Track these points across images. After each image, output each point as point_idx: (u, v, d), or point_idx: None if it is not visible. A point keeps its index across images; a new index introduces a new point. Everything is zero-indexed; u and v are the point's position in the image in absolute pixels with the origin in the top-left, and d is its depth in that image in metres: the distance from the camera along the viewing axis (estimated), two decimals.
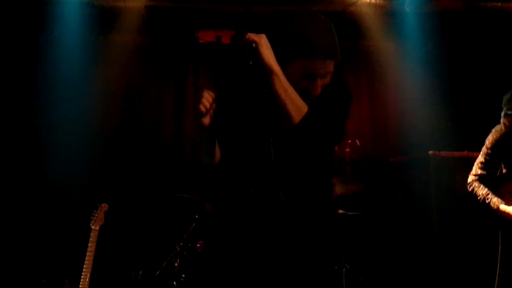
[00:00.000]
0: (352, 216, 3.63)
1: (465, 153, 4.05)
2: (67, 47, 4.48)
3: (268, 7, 4.47)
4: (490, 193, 3.05)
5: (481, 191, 3.08)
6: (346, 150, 3.94)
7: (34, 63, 4.44)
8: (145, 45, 4.70)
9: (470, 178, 3.14)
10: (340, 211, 3.58)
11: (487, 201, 3.06)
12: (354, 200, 3.73)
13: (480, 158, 3.13)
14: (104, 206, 3.42)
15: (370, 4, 4.47)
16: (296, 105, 1.70)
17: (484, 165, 3.10)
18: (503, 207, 3.00)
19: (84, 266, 3.20)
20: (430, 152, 4.15)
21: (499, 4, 4.49)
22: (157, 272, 3.39)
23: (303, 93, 1.77)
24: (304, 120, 1.69)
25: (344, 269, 3.40)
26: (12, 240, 4.07)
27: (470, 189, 3.14)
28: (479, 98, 4.73)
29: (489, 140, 3.11)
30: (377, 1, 4.47)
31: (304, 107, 1.71)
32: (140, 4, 4.33)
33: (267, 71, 1.68)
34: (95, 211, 3.36)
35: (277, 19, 1.95)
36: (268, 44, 1.70)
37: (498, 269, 3.29)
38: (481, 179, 3.12)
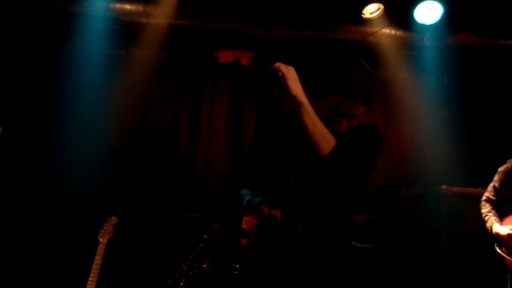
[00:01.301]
0: (362, 249, 3.60)
1: (479, 190, 4.01)
2: (89, 59, 4.56)
3: (289, 31, 4.52)
4: (492, 213, 3.35)
5: (484, 209, 3.40)
6: (369, 181, 3.91)
7: (55, 74, 4.50)
8: (165, 61, 4.76)
9: (482, 199, 3.48)
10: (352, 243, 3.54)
11: (485, 219, 3.40)
12: (364, 232, 3.70)
13: (492, 183, 3.44)
14: (114, 219, 3.43)
15: (389, 35, 4.50)
16: (324, 137, 1.70)
17: (493, 190, 3.41)
18: (496, 226, 3.30)
19: (90, 278, 3.20)
20: (443, 186, 4.12)
21: None
22: None
23: (328, 127, 1.77)
24: (332, 152, 1.70)
25: None
26: (20, 251, 4.08)
27: (479, 208, 3.45)
28: (495, 134, 4.70)
29: (502, 168, 3.40)
30: (397, 33, 4.50)
31: (332, 140, 1.71)
32: (163, 21, 4.41)
33: (295, 103, 1.69)
34: (104, 224, 3.38)
35: (320, 54, 2.00)
36: (296, 77, 1.71)
37: None
38: (490, 201, 3.42)
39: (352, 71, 1.78)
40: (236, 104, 4.77)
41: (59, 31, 4.47)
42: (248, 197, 1.91)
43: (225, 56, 4.87)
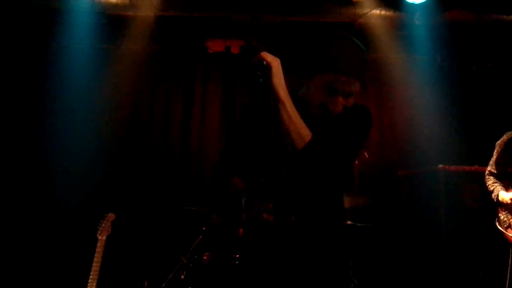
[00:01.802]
0: (361, 228, 3.60)
1: (475, 167, 4.01)
2: (77, 55, 4.51)
3: (278, 16, 4.47)
4: (497, 183, 3.45)
5: (489, 181, 3.50)
6: (354, 162, 3.91)
7: (44, 71, 4.46)
8: (154, 54, 4.71)
9: (485, 173, 3.56)
10: (349, 222, 3.55)
11: (491, 189, 3.48)
12: (363, 213, 3.70)
13: (492, 157, 3.52)
14: (111, 216, 3.41)
15: (379, 16, 4.46)
16: (298, 133, 1.72)
17: (494, 163, 3.49)
18: (502, 193, 3.41)
19: (90, 276, 3.19)
20: (440, 166, 4.11)
21: (509, 17, 4.46)
22: (163, 284, 3.37)
23: (323, 108, 1.79)
24: (305, 148, 1.72)
25: (352, 285, 3.37)
26: (18, 252, 4.06)
27: (484, 182, 3.54)
28: (489, 111, 4.69)
29: (499, 141, 3.48)
30: (387, 13, 4.46)
31: (307, 136, 1.73)
32: (150, 13, 4.35)
33: (274, 97, 1.70)
34: (102, 221, 3.35)
35: (301, 35, 2.01)
36: (280, 69, 1.71)
37: (507, 285, 3.32)
38: (492, 174, 3.51)
39: (347, 49, 1.76)
40: (228, 94, 4.73)
41: (45, 27, 4.41)
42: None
43: (215, 46, 4.82)
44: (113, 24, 4.42)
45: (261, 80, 1.69)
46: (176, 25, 4.65)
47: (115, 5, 4.29)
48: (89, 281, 3.19)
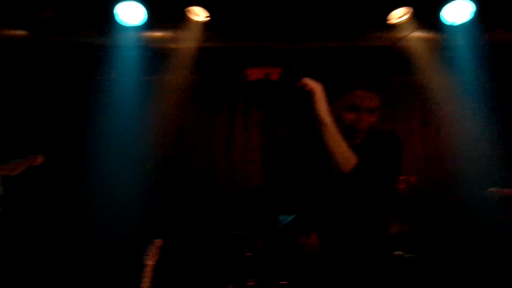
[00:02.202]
0: (410, 258, 3.49)
1: None
2: (123, 87, 4.69)
3: (317, 43, 4.54)
4: None
5: None
6: (401, 187, 3.84)
7: (91, 104, 4.64)
8: (196, 83, 4.84)
9: None
10: (398, 253, 3.45)
11: None
12: (410, 240, 3.60)
13: None
14: (159, 241, 3.46)
15: (419, 38, 4.44)
16: (344, 156, 1.71)
17: None
18: None
19: None
20: (493, 189, 3.97)
21: None
22: None
23: (350, 130, 1.82)
24: (353, 171, 1.71)
25: None
26: (67, 276, 4.16)
27: None
28: None
29: None
30: (428, 35, 4.44)
31: (353, 159, 1.73)
32: (192, 44, 4.50)
33: (317, 121, 1.71)
34: (149, 246, 3.41)
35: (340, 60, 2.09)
36: (323, 94, 1.74)
37: None
38: None
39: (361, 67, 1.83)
40: (269, 120, 4.80)
41: (92, 63, 4.62)
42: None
43: (255, 74, 4.92)
44: (157, 56, 4.59)
45: (303, 105, 1.72)
46: (217, 55, 4.78)
47: (160, 39, 4.47)
48: None
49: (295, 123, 4.64)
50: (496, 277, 3.86)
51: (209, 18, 4.34)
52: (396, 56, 4.45)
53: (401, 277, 3.47)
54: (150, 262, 3.37)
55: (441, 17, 4.17)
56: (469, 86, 4.74)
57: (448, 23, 4.19)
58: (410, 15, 4.27)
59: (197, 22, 4.36)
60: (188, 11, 4.31)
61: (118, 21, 4.21)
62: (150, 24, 4.30)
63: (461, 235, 4.23)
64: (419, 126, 4.75)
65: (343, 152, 1.71)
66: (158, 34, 4.45)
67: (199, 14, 4.33)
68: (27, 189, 4.03)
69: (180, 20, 4.33)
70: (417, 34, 4.42)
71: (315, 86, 1.71)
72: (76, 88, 4.72)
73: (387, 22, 4.32)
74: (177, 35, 4.42)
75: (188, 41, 4.45)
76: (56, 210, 4.35)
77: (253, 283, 3.30)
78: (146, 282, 3.30)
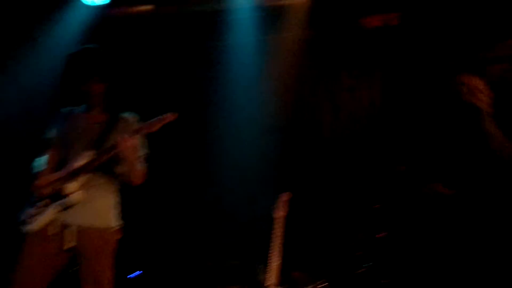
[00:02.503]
0: None
1: None
2: (239, 50, 4.80)
3: None
4: None
5: None
6: None
7: (211, 69, 4.83)
8: (311, 39, 4.78)
9: None
10: None
11: None
12: None
13: None
14: (287, 195, 3.58)
15: None
16: (503, 143, 1.98)
17: None
18: None
19: (272, 254, 3.39)
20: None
21: None
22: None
23: None
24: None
25: None
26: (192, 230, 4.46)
27: None
28: None
29: None
30: None
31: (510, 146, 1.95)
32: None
33: (479, 109, 1.96)
34: (277, 200, 3.54)
35: None
36: (481, 87, 1.96)
37: None
38: None
39: None
40: (387, 77, 4.57)
41: (208, 29, 4.78)
42: None
43: (372, 21, 4.69)
44: (271, 15, 4.60)
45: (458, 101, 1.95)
46: (331, 7, 4.64)
47: None
48: (271, 259, 3.39)
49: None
50: None
51: None
52: None
53: None
54: (279, 215, 3.51)
55: None
56: None
57: None
58: None
59: None
60: None
61: None
62: None
63: None
64: None
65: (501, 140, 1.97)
66: None
67: None
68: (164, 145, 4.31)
69: None
70: None
71: (472, 79, 1.95)
72: (196, 55, 4.94)
73: None
74: None
75: None
76: (187, 165, 4.66)
77: (384, 235, 3.28)
78: (277, 235, 3.45)
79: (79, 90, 2.50)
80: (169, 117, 2.48)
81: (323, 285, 3.35)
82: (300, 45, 4.71)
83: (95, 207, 2.43)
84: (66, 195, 2.35)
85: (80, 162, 2.40)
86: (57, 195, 2.37)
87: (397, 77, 4.50)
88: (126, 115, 2.64)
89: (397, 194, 3.47)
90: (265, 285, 3.36)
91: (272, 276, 3.37)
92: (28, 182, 2.48)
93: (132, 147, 2.40)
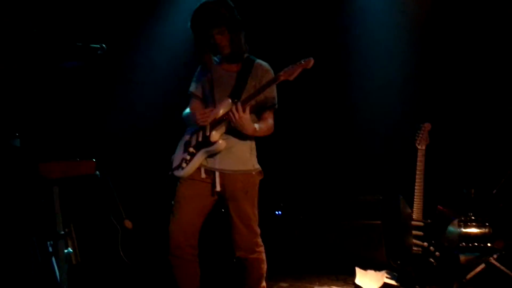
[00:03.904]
0: None
1: None
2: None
3: None
4: None
5: None
6: None
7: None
8: None
9: None
10: None
11: None
12: None
13: None
14: (427, 126, 3.40)
15: None
16: None
17: None
18: None
19: (416, 184, 3.30)
20: None
21: None
22: (494, 191, 3.19)
23: None
24: None
25: None
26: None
27: None
28: None
29: None
30: None
31: None
32: None
33: None
34: (419, 131, 3.39)
35: None
36: None
37: None
38: None
39: None
40: None
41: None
42: None
43: None
44: None
45: None
46: None
47: None
48: (416, 189, 3.30)
49: None
50: None
51: None
52: None
53: None
54: (421, 146, 3.38)
55: None
56: None
57: None
58: None
59: None
60: None
61: None
62: None
63: None
64: None
65: None
66: None
67: None
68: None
69: None
70: None
71: None
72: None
73: None
74: None
75: None
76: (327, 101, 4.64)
77: None
78: (420, 165, 3.34)
79: (209, 43, 2.57)
80: (310, 62, 2.40)
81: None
82: None
83: (236, 153, 2.58)
84: (211, 143, 2.56)
85: (220, 110, 2.53)
86: (203, 142, 2.56)
87: None
88: (261, 62, 2.67)
89: None
90: (409, 219, 3.32)
91: (417, 210, 3.31)
92: (176, 133, 2.77)
93: (241, 121, 2.44)
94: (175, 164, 2.66)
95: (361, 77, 4.41)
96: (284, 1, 4.58)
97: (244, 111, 2.47)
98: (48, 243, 2.56)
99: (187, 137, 2.69)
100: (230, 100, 2.55)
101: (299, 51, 3.64)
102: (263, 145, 2.76)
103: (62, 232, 2.53)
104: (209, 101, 2.69)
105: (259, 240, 2.67)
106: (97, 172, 2.60)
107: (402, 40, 4.28)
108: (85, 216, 3.32)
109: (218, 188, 2.59)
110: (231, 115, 2.47)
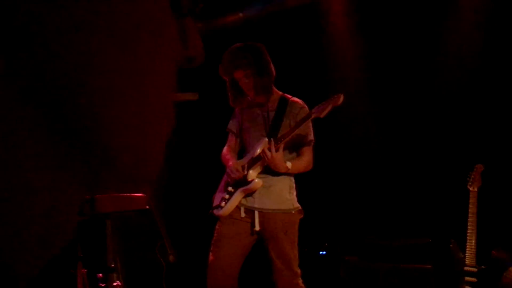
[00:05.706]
0: None
1: None
2: None
3: None
4: None
5: None
6: None
7: None
8: None
9: None
10: None
11: None
12: None
13: None
14: (480, 167, 3.26)
15: None
16: None
17: None
18: None
19: (469, 227, 3.16)
20: None
21: None
22: None
23: None
24: None
25: None
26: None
27: None
28: None
29: None
30: None
31: None
32: None
33: None
34: (471, 172, 3.27)
35: None
36: None
37: None
38: None
39: None
40: None
41: None
42: None
43: None
44: None
45: None
46: None
47: None
48: (468, 232, 3.15)
49: None
50: None
51: None
52: None
53: None
54: (473, 188, 3.24)
55: None
56: None
57: None
58: None
59: None
60: None
61: None
62: None
63: None
64: None
65: None
66: None
67: None
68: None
69: None
70: None
71: None
72: None
73: None
74: None
75: None
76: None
77: None
78: (473, 208, 3.20)
79: (237, 85, 2.66)
80: (339, 98, 2.46)
81: None
82: None
83: (274, 192, 2.61)
84: (248, 181, 2.64)
85: (258, 149, 2.60)
86: (241, 182, 2.62)
87: None
88: (295, 99, 2.72)
89: None
90: (462, 264, 3.16)
91: (469, 254, 3.15)
92: (216, 170, 2.85)
93: (273, 160, 2.49)
94: (215, 203, 2.74)
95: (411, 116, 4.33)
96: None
97: (277, 150, 2.52)
98: (97, 276, 2.70)
99: (226, 176, 2.78)
100: (266, 139, 2.62)
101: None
102: (312, 182, 2.76)
103: (113, 265, 2.68)
104: (245, 140, 2.77)
105: (300, 281, 2.65)
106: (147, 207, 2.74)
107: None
108: (132, 249, 3.45)
109: (257, 227, 2.62)
110: (264, 154, 2.53)
